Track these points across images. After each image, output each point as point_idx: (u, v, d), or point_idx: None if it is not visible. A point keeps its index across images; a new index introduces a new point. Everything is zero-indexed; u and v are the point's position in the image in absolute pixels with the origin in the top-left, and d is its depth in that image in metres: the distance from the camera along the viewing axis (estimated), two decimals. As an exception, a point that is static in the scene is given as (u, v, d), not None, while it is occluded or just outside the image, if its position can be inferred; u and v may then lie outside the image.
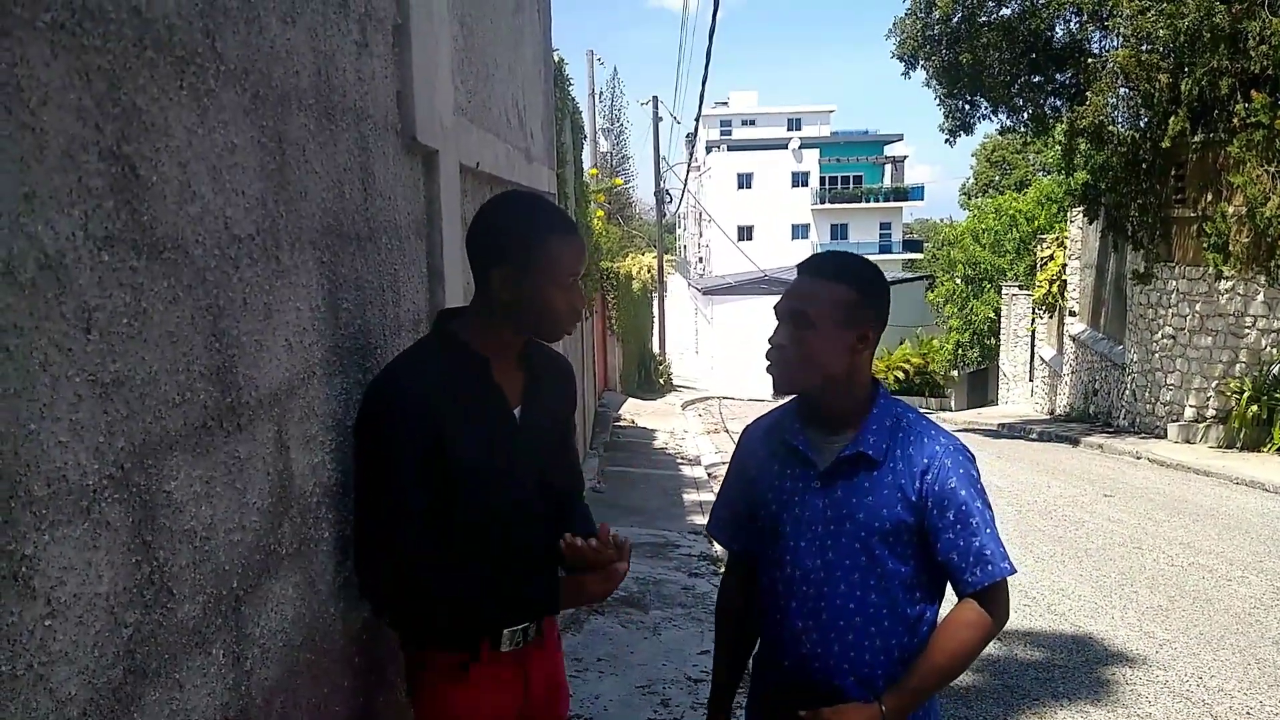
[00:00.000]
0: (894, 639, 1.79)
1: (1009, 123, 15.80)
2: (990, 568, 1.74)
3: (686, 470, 10.64)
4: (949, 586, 1.83)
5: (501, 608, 1.85)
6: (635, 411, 16.49)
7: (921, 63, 15.13)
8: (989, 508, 1.79)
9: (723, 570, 2.15)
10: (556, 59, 7.78)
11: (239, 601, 1.36)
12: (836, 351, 1.78)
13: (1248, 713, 4.34)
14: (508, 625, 1.87)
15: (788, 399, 1.94)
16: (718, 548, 6.71)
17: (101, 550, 1.02)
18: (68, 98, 0.97)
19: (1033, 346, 22.40)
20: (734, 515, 2.01)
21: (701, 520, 7.80)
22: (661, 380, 23.51)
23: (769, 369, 1.85)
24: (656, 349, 25.35)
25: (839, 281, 1.79)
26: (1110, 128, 12.89)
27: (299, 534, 1.59)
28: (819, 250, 50.14)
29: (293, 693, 1.54)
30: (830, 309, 1.77)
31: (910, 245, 52.14)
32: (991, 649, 4.64)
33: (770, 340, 1.84)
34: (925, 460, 1.77)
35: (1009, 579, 1.78)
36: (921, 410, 2.05)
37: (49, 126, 0.94)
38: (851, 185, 53.58)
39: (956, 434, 1.89)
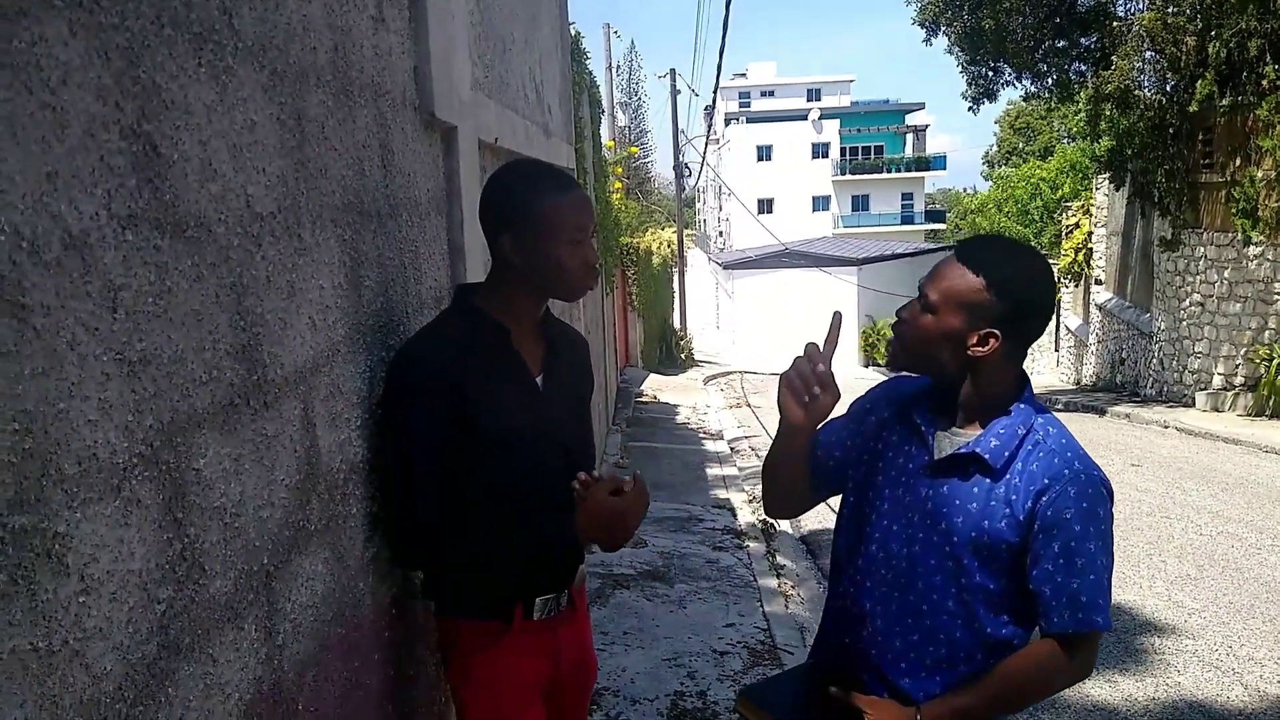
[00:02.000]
0: (962, 652, 1.66)
1: (1033, 89, 15.56)
2: (1081, 615, 1.58)
3: (709, 445, 10.64)
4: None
5: (527, 570, 1.87)
6: (657, 387, 16.49)
7: (943, 29, 14.92)
8: (1107, 554, 1.61)
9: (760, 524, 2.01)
10: (573, 32, 7.72)
11: (269, 577, 1.37)
12: (949, 343, 1.63)
13: (1278, 681, 4.32)
14: (539, 594, 1.89)
15: None
16: (741, 521, 6.71)
17: (133, 527, 1.03)
18: (87, 76, 0.97)
19: (1058, 316, 22.19)
20: (820, 458, 1.85)
21: (724, 494, 7.80)
22: (683, 355, 23.49)
23: (889, 343, 1.76)
24: (677, 324, 25.30)
25: (976, 273, 1.61)
26: (1136, 92, 12.66)
27: (327, 510, 1.60)
28: (840, 221, 49.83)
29: (324, 667, 1.56)
30: (953, 298, 1.62)
31: (933, 215, 51.64)
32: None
33: (897, 312, 1.73)
34: (1046, 480, 1.60)
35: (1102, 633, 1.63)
36: None
37: (69, 105, 0.94)
38: (873, 155, 52.96)
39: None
